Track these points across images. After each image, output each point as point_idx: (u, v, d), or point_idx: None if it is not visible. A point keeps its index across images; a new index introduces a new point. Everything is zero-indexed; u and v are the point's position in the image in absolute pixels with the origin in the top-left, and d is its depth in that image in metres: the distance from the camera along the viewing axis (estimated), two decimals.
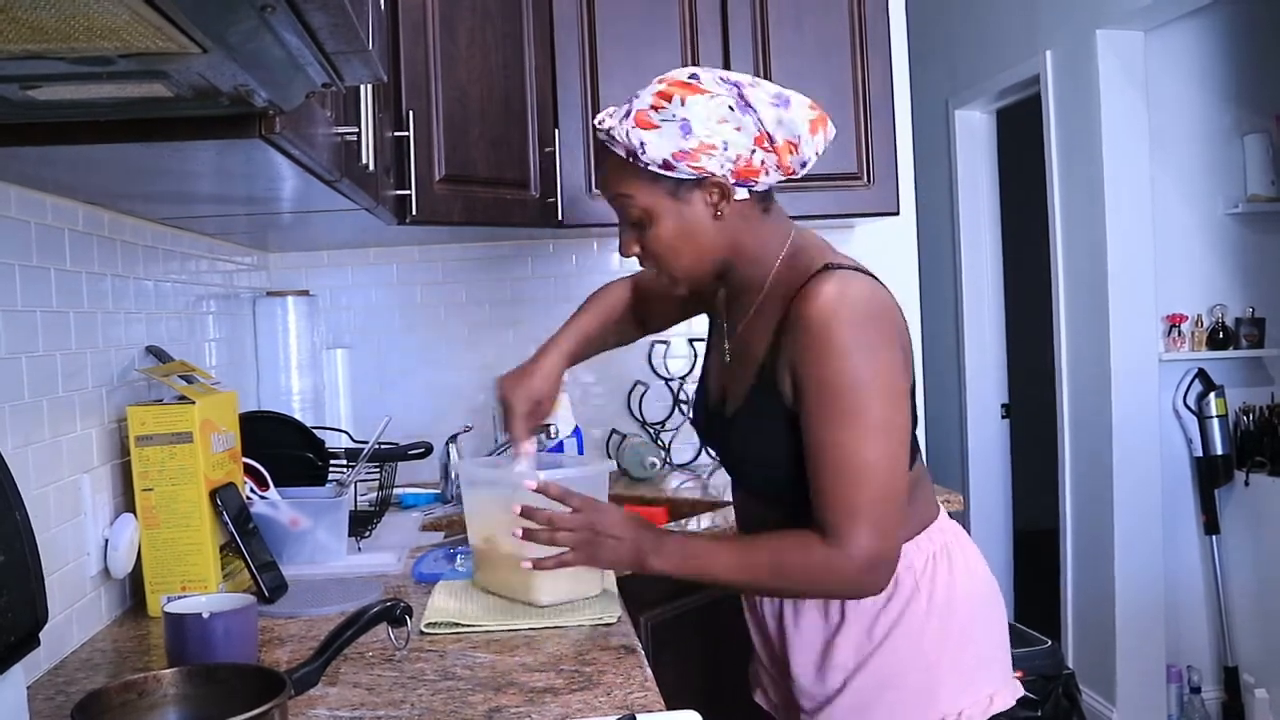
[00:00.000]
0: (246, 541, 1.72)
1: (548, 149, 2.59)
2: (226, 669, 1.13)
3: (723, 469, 1.69)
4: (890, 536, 1.37)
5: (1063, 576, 3.97)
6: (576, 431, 2.77)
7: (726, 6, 2.71)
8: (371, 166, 1.75)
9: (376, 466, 2.22)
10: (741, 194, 1.41)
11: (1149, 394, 3.68)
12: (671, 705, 1.25)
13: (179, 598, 1.46)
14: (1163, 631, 3.70)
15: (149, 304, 1.93)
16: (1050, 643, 3.49)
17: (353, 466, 2.12)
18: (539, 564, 1.48)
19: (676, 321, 1.84)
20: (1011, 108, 4.45)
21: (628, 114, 1.39)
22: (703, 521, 2.29)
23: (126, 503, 1.73)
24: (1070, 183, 3.84)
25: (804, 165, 1.42)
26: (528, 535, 1.48)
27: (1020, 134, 4.49)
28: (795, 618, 1.52)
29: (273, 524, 1.89)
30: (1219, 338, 3.79)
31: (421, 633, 1.54)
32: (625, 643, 1.48)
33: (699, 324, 1.78)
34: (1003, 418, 4.71)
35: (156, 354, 1.88)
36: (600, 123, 1.43)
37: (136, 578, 1.72)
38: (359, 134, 1.68)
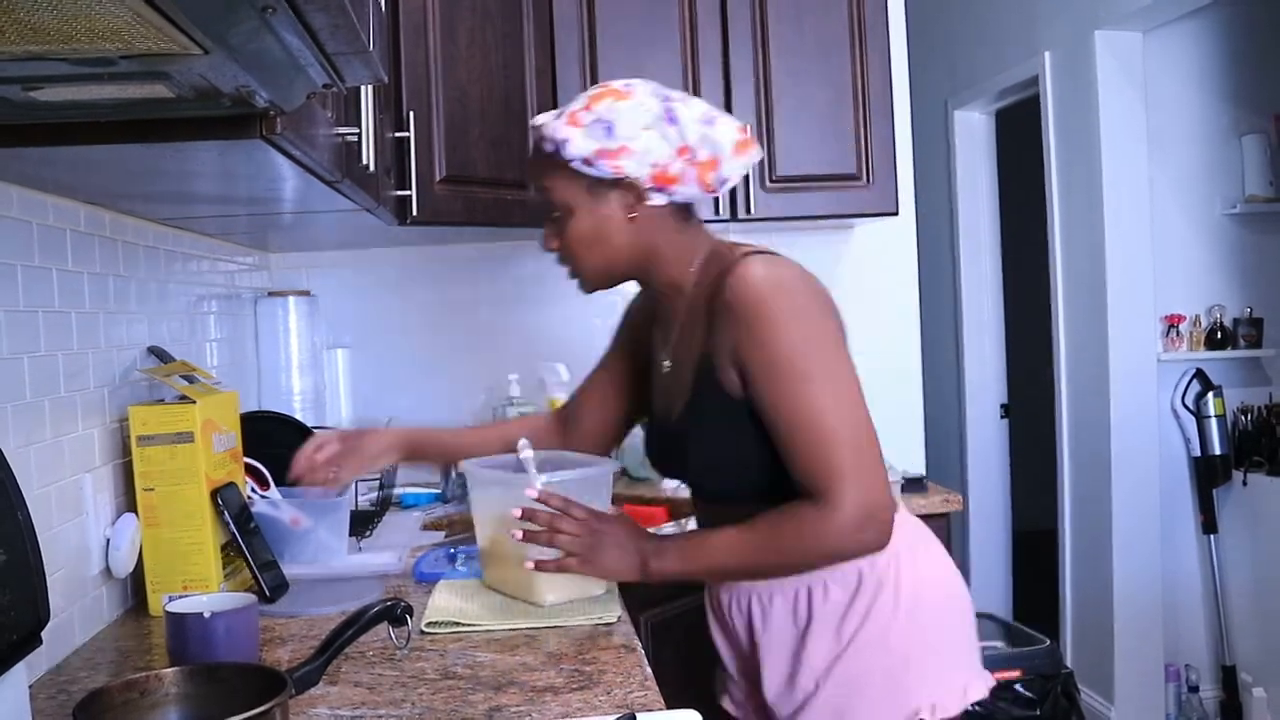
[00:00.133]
0: (248, 541, 1.72)
1: None
2: (228, 668, 1.13)
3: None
4: (876, 487, 1.38)
5: (1061, 576, 3.97)
6: None
7: (726, 6, 2.71)
8: (372, 167, 1.75)
9: None
10: (658, 200, 1.47)
11: (1147, 394, 3.69)
12: (671, 705, 1.26)
13: (180, 597, 1.46)
14: (1161, 631, 3.70)
15: (150, 304, 1.93)
16: (1049, 642, 3.49)
17: None
18: (540, 565, 1.50)
19: (625, 417, 1.80)
20: (1011, 108, 4.46)
21: (561, 114, 1.47)
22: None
23: (128, 502, 1.73)
24: (1069, 183, 3.85)
25: (724, 183, 1.49)
26: (528, 537, 1.49)
27: (1019, 135, 4.49)
28: (764, 622, 1.53)
29: (274, 523, 1.89)
30: (1217, 338, 3.79)
31: (422, 632, 1.54)
32: (625, 642, 1.48)
33: None
34: (1002, 418, 4.71)
35: (158, 354, 1.89)
36: (536, 122, 1.51)
37: (138, 577, 1.72)
38: (360, 134, 1.69)
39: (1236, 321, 3.81)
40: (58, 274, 1.56)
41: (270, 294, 2.72)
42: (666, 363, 1.57)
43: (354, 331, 2.98)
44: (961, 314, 4.69)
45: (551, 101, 2.62)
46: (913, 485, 2.63)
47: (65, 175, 1.42)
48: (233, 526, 1.70)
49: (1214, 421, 3.73)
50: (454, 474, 2.56)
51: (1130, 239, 3.62)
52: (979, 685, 1.51)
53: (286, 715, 1.04)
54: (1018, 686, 3.29)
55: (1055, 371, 3.96)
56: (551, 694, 1.28)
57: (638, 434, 2.98)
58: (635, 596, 1.80)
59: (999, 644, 3.51)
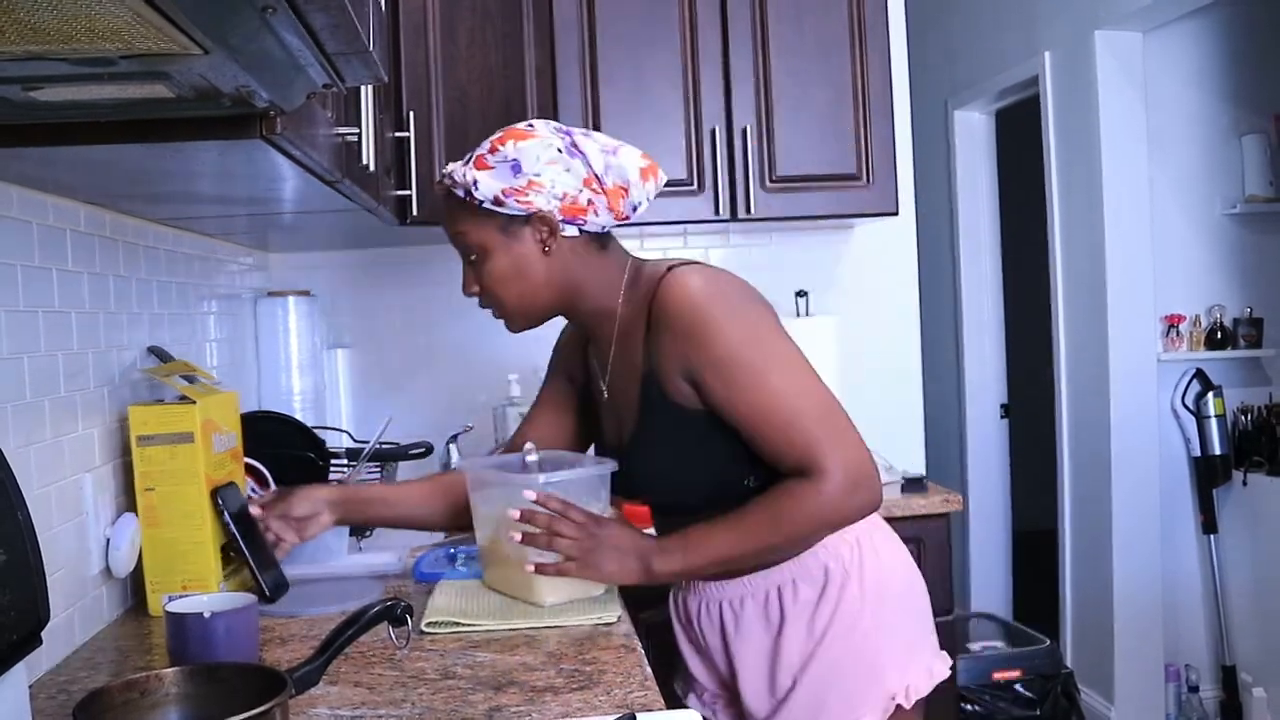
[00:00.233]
0: (248, 541, 1.72)
1: None
2: (228, 668, 1.13)
3: None
4: (855, 445, 1.42)
5: (1061, 576, 3.97)
6: None
7: (726, 6, 2.71)
8: (372, 167, 1.76)
9: (378, 466, 2.23)
10: (570, 231, 1.50)
11: (1147, 394, 3.69)
12: (671, 705, 1.26)
13: (180, 597, 1.46)
14: (1161, 631, 3.70)
15: (150, 304, 1.93)
16: (1049, 642, 3.50)
17: (354, 466, 2.12)
18: (540, 568, 1.52)
19: (574, 446, 1.78)
20: (1010, 108, 4.46)
21: (468, 160, 1.50)
22: None
23: (128, 502, 1.73)
24: (1069, 183, 3.85)
25: (635, 209, 1.52)
26: (527, 539, 1.50)
27: (1019, 135, 4.49)
28: (738, 627, 1.56)
29: None
30: (1217, 338, 3.79)
31: (422, 632, 1.54)
32: (625, 642, 1.48)
33: None
34: (1002, 418, 4.71)
35: (158, 354, 1.89)
36: (445, 170, 1.54)
37: (138, 577, 1.72)
38: (360, 134, 1.69)
39: (1236, 321, 3.81)
40: (58, 274, 1.57)
41: (270, 294, 2.72)
42: (606, 390, 1.60)
43: (354, 331, 2.98)
44: (961, 314, 4.69)
45: (551, 101, 2.62)
46: (913, 485, 2.63)
47: (65, 175, 1.42)
48: (233, 526, 1.70)
49: (1214, 421, 3.73)
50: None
51: (1130, 239, 3.62)
52: (941, 666, 1.56)
53: (286, 715, 1.04)
54: (1018, 686, 3.29)
55: (1055, 371, 3.96)
56: (551, 694, 1.28)
57: None
58: (635, 597, 1.80)
59: (999, 644, 3.51)
